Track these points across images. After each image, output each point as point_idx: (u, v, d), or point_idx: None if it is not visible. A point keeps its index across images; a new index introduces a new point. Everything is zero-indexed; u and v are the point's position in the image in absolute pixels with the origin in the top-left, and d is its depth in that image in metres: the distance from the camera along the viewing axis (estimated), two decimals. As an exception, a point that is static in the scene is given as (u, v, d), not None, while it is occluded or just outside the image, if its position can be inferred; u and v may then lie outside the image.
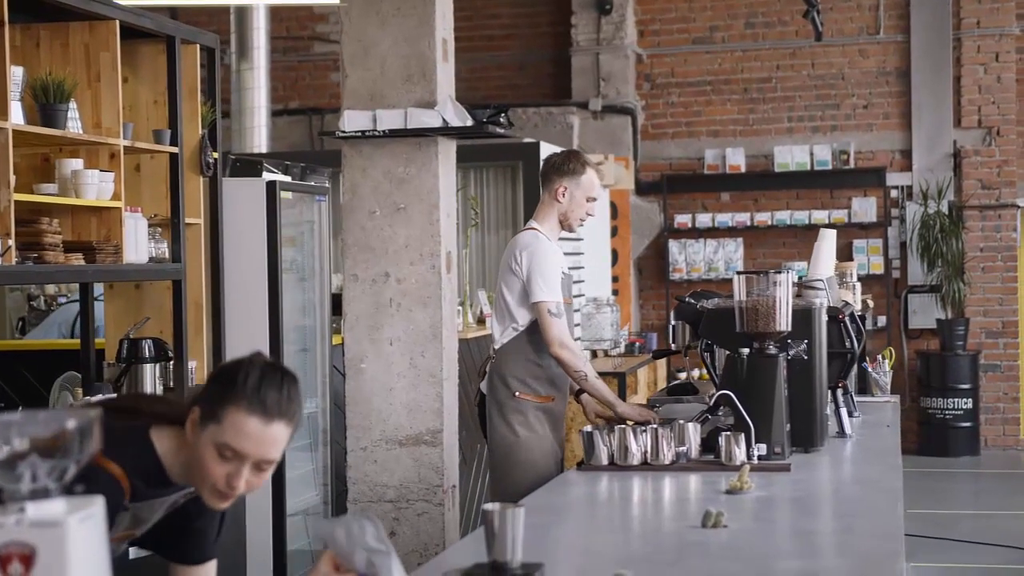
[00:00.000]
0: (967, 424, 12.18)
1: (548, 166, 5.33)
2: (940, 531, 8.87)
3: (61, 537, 1.75)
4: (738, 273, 4.46)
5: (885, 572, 2.83)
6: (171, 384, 5.57)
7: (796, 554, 3.14)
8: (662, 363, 11.22)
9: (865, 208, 12.53)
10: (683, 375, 12.26)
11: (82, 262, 4.94)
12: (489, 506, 2.76)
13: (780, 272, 4.44)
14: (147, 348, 5.43)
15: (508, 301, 5.17)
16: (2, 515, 1.76)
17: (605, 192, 11.99)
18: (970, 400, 12.16)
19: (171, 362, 5.55)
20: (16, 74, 4.76)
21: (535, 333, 5.12)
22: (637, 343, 10.83)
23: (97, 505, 1.82)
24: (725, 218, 12.74)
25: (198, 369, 5.81)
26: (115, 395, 4.75)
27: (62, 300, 9.00)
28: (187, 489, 2.73)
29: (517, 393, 5.14)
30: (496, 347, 5.24)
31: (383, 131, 5.88)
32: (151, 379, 5.43)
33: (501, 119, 6.27)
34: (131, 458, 2.60)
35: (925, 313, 12.47)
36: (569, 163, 5.26)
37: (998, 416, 12.51)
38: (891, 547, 3.02)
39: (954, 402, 12.14)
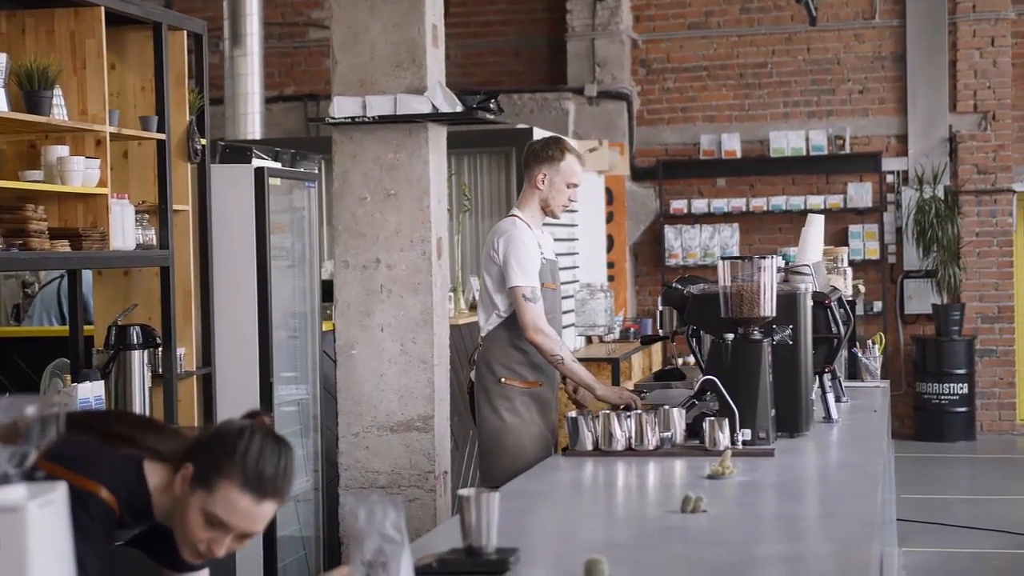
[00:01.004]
0: (963, 409, 12.19)
1: (528, 153, 5.35)
2: (935, 516, 8.88)
3: (21, 523, 1.75)
4: (723, 258, 4.47)
5: (859, 555, 2.84)
6: (159, 371, 5.57)
7: (772, 538, 3.15)
8: (657, 349, 11.23)
9: (861, 193, 12.52)
10: (679, 361, 12.28)
11: (68, 249, 4.94)
12: (464, 492, 2.77)
13: (764, 258, 4.44)
14: (135, 335, 5.43)
15: (489, 288, 5.22)
16: (-39, 501, 1.76)
17: (601, 178, 11.99)
18: (966, 385, 12.17)
19: (159, 349, 5.55)
20: (0, 61, 4.76)
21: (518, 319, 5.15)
22: (632, 329, 10.83)
23: (58, 491, 1.82)
24: (721, 204, 12.74)
25: (187, 356, 5.82)
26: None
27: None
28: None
29: (503, 379, 5.16)
30: (482, 334, 5.27)
31: (372, 117, 5.87)
32: (139, 366, 5.42)
33: (491, 105, 6.26)
34: (124, 488, 2.60)
35: (921, 298, 12.47)
36: (548, 149, 5.27)
37: (994, 401, 12.51)
38: (865, 531, 3.03)
39: (950, 387, 12.15)
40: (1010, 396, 12.55)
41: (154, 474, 2.64)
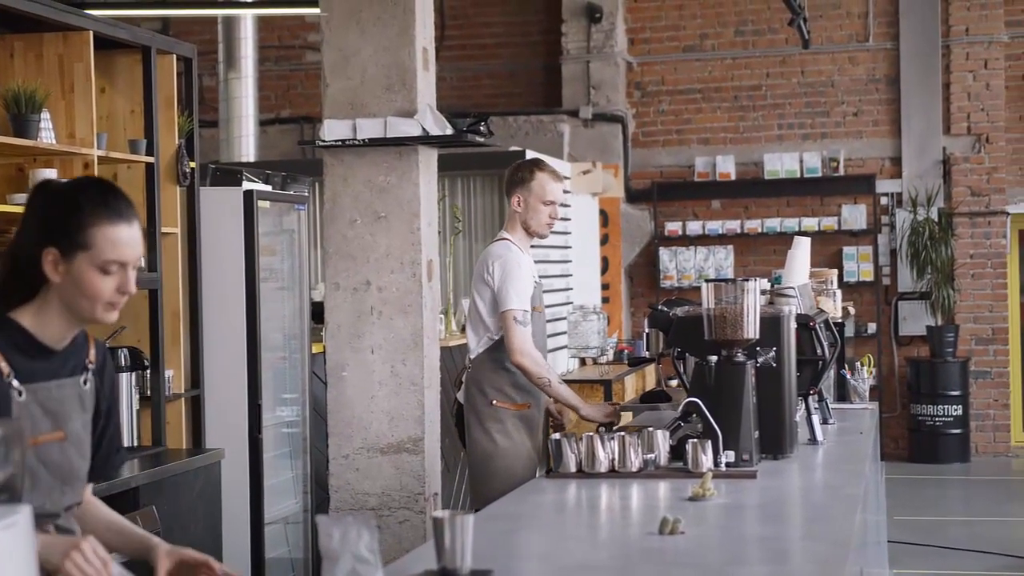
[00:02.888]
0: (957, 431, 12.18)
1: (506, 178, 5.45)
2: (929, 538, 8.88)
3: (-17, 545, 1.76)
4: (706, 281, 4.48)
5: (833, 577, 2.85)
6: (148, 393, 5.58)
7: (748, 560, 3.16)
8: (651, 370, 11.23)
9: (855, 215, 12.54)
10: (674, 383, 12.27)
11: (56, 271, 4.95)
12: (438, 514, 2.78)
13: (748, 280, 4.45)
14: (123, 357, 5.44)
15: (481, 311, 5.25)
16: (-76, 523, 1.77)
17: (595, 200, 12.02)
18: (960, 407, 12.17)
19: (147, 371, 5.56)
20: (-12, 84, 4.80)
21: None
22: (626, 351, 10.83)
23: (23, 513, 1.83)
24: (715, 226, 12.76)
25: (175, 379, 5.83)
26: None
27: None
28: (75, 360, 2.76)
29: (494, 401, 5.18)
30: (471, 356, 5.30)
31: (363, 140, 5.90)
32: (127, 388, 5.44)
33: (481, 127, 6.29)
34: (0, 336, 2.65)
35: (915, 320, 12.48)
36: (518, 172, 5.37)
37: (988, 423, 12.51)
38: (838, 552, 3.03)
39: (944, 409, 12.14)
40: (1004, 418, 12.55)
41: (22, 316, 2.68)
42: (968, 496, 11.15)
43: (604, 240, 12.26)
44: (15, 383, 2.64)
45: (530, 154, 9.88)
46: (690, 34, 13.02)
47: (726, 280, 4.50)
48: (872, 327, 12.43)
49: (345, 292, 5.93)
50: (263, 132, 11.57)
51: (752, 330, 4.42)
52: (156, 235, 5.59)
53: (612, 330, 11.38)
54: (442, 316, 7.42)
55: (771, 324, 4.56)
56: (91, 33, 5.19)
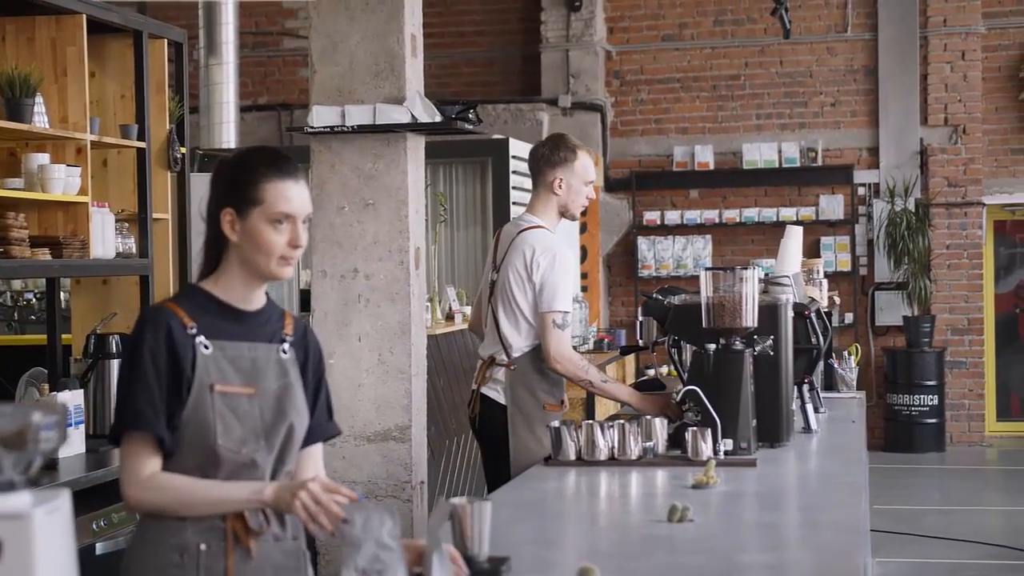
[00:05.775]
0: (933, 420, 12.27)
1: (537, 159, 5.11)
2: (906, 526, 8.93)
3: (28, 529, 1.74)
4: (705, 269, 4.48)
5: (847, 565, 2.86)
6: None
7: (760, 547, 3.17)
8: (631, 359, 11.27)
9: (833, 205, 12.59)
10: (651, 372, 12.30)
11: (49, 257, 4.92)
12: (457, 500, 2.77)
13: (747, 268, 4.46)
14: (114, 344, 5.41)
15: (522, 307, 4.95)
16: (-33, 508, 1.76)
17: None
18: (936, 396, 12.25)
19: (138, 358, 5.52)
20: (-19, 68, 4.76)
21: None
22: (606, 340, 10.86)
23: (63, 498, 1.82)
24: (694, 215, 12.79)
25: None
26: None
27: (28, 296, 8.97)
28: (271, 329, 2.93)
29: (546, 405, 4.97)
30: (513, 354, 4.98)
31: (352, 127, 5.88)
32: (118, 376, 5.40)
33: (470, 115, 6.28)
34: (184, 299, 2.89)
35: (892, 310, 12.55)
36: (559, 151, 5.04)
37: (963, 412, 12.60)
38: (853, 540, 3.05)
39: (920, 398, 12.22)
40: (979, 407, 12.65)
41: (206, 284, 2.90)
42: (944, 485, 11.23)
43: (583, 229, 12.27)
44: (201, 338, 2.82)
45: (513, 143, 9.89)
46: (669, 23, 13.03)
47: (725, 269, 4.50)
48: (849, 317, 12.50)
49: (332, 279, 5.92)
50: (241, 119, 11.50)
51: (751, 318, 4.43)
52: (148, 221, 5.56)
53: (591, 319, 11.40)
54: (427, 304, 7.40)
55: (769, 312, 4.57)
56: (84, 17, 5.14)
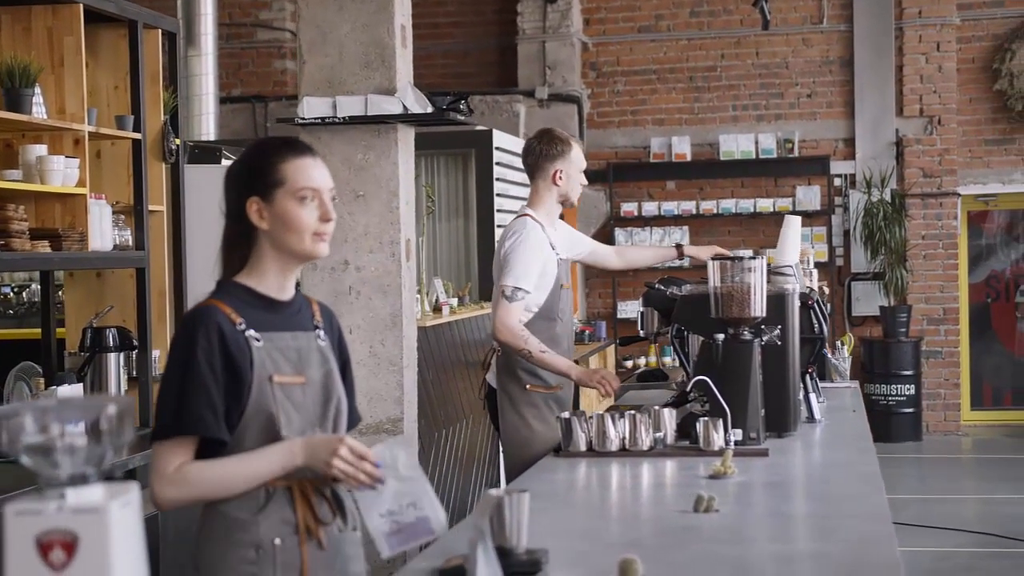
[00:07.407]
0: (910, 410, 12.34)
1: (534, 155, 5.27)
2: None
3: (103, 523, 1.72)
4: (713, 259, 4.47)
5: (883, 553, 2.86)
6: (135, 373, 5.50)
7: (790, 537, 3.16)
8: (611, 351, 11.26)
9: (809, 196, 12.63)
10: (629, 363, 12.32)
11: (48, 250, 4.86)
12: (495, 491, 2.75)
13: (755, 258, 4.46)
14: (111, 337, 5.36)
15: None
16: (42, 502, 1.73)
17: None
18: (912, 386, 12.31)
19: (135, 351, 5.48)
20: (-22, 58, 4.69)
21: (539, 323, 5.07)
22: (587, 331, 10.85)
23: (134, 492, 1.79)
24: (671, 206, 12.80)
25: (162, 358, 5.74)
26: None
27: (5, 290, 8.88)
28: (304, 317, 2.92)
29: (528, 386, 5.10)
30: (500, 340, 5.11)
31: (343, 118, 5.84)
32: (115, 368, 5.35)
33: (461, 106, 6.26)
34: (224, 296, 2.85)
35: (868, 300, 12.61)
36: (556, 146, 5.24)
37: (939, 402, 12.68)
38: (885, 530, 3.05)
39: (897, 388, 12.29)
40: (955, 397, 12.72)
41: (240, 277, 2.88)
42: (922, 475, 11.29)
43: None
44: (251, 332, 2.82)
45: (497, 134, 9.86)
46: (645, 15, 13.03)
47: (732, 258, 4.50)
48: (827, 307, 12.53)
49: (323, 272, 5.90)
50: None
51: (759, 308, 4.42)
52: (143, 213, 5.50)
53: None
54: (416, 296, 7.37)
55: (776, 302, 4.57)
56: (81, 6, 5.08)
